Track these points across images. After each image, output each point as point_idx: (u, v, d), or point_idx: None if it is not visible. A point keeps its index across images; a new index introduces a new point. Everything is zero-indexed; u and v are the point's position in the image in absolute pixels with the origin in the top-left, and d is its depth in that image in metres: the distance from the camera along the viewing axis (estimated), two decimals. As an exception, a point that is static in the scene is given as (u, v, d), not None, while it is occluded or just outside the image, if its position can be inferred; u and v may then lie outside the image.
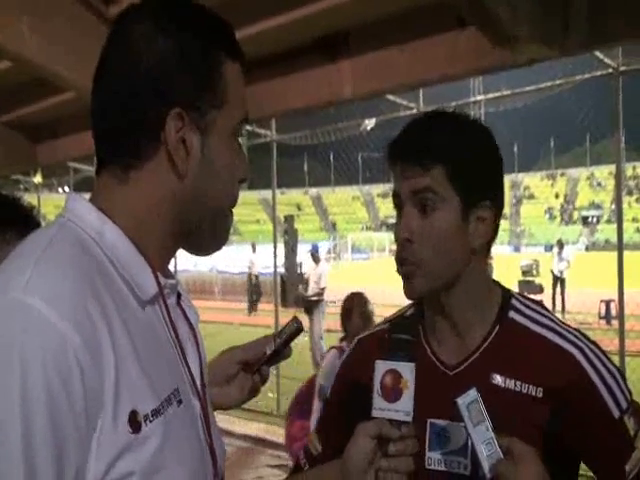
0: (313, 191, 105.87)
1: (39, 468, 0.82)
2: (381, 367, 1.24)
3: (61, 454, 0.84)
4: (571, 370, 1.40)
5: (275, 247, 10.30)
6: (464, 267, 1.45)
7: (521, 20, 3.06)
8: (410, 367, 1.22)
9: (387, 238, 67.04)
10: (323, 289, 12.57)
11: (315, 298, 12.39)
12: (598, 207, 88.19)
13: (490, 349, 1.47)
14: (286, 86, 4.56)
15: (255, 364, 1.50)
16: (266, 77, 4.44)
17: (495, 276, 1.59)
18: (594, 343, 1.46)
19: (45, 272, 0.89)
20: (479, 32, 3.34)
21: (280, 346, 1.48)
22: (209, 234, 1.12)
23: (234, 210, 1.14)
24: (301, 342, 13.15)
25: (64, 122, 6.36)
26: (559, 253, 20.07)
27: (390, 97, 7.50)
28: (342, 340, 5.19)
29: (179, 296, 1.14)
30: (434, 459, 1.44)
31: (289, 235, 22.14)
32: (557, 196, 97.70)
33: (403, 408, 1.20)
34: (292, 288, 19.08)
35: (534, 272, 27.77)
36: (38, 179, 13.58)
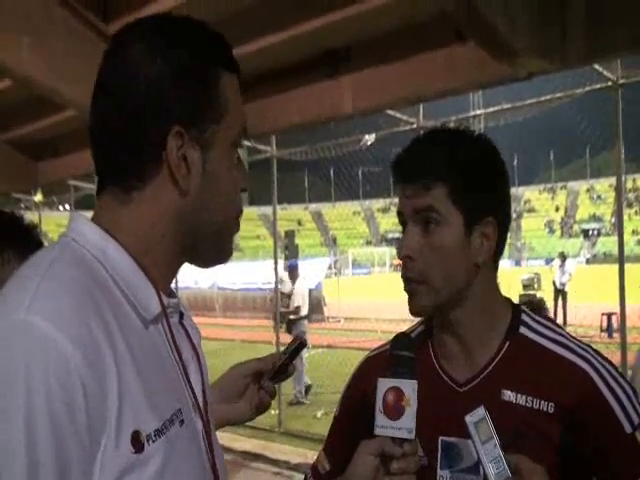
0: (313, 206, 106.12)
1: None
2: (383, 385, 1.23)
3: (65, 476, 0.83)
4: (582, 385, 1.39)
5: (276, 263, 10.30)
6: (469, 283, 1.45)
7: (520, 33, 3.07)
8: (412, 384, 1.21)
9: (388, 253, 67.10)
10: (298, 308, 11.79)
11: (293, 317, 11.78)
12: (599, 220, 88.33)
13: (500, 365, 1.46)
14: (287, 102, 4.57)
15: (261, 379, 1.51)
16: (267, 93, 4.45)
17: (496, 291, 1.59)
18: (605, 359, 1.45)
19: (48, 292, 0.89)
20: (478, 47, 3.35)
21: (285, 361, 1.49)
22: (214, 247, 1.11)
23: (235, 226, 1.14)
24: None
25: (65, 140, 6.38)
26: (561, 266, 20.01)
27: (390, 112, 7.52)
28: None
29: (181, 315, 1.13)
30: (446, 477, 1.43)
31: (290, 251, 22.13)
32: (557, 209, 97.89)
33: (405, 425, 1.19)
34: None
35: (535, 286, 27.74)
36: (39, 197, 13.59)
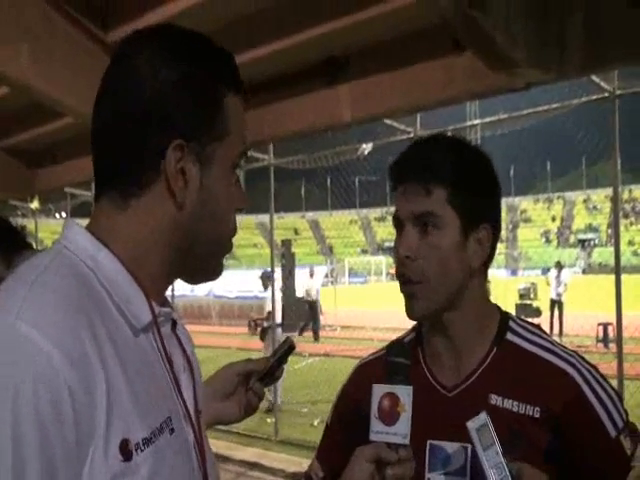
0: (310, 215, 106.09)
1: None
2: (378, 390, 1.24)
3: None
4: (568, 389, 1.41)
5: (273, 271, 10.29)
6: (464, 287, 1.47)
7: (517, 43, 3.08)
8: (407, 390, 1.22)
9: (384, 262, 67.08)
10: (269, 314, 11.38)
11: (265, 324, 11.57)
12: (595, 230, 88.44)
13: (488, 370, 1.48)
14: (285, 110, 4.57)
15: (250, 380, 1.52)
16: (265, 101, 4.45)
17: (493, 300, 1.61)
18: (590, 364, 1.47)
19: (38, 299, 0.89)
20: (476, 56, 3.36)
21: (274, 364, 1.51)
22: (204, 264, 1.12)
23: (231, 234, 1.14)
24: (301, 368, 13.12)
25: (62, 148, 6.37)
26: (557, 276, 20.01)
27: (387, 121, 7.53)
28: None
29: (174, 324, 1.14)
30: None
31: (286, 259, 22.08)
32: (554, 219, 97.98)
33: (400, 431, 1.20)
34: (289, 311, 18.99)
35: (531, 295, 27.77)
36: (35, 205, 13.56)
